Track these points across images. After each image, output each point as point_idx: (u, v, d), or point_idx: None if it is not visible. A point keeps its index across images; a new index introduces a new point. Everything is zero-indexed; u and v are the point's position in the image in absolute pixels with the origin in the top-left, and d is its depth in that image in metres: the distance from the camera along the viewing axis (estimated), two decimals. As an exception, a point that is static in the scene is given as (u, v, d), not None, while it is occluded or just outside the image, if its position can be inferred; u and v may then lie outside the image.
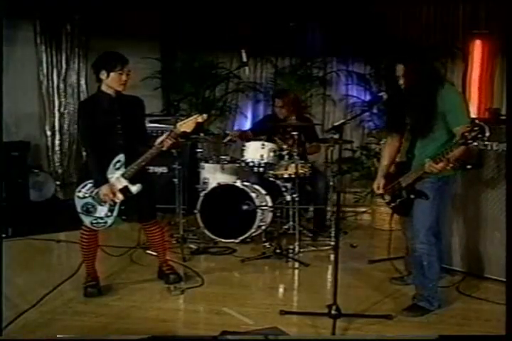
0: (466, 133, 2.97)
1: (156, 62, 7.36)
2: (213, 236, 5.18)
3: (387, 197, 3.73)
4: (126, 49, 6.83)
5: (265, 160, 5.11)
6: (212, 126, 7.34)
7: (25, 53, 6.66)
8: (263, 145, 5.13)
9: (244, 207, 5.09)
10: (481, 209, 4.12)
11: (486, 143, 4.03)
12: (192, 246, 5.02)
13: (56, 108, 6.93)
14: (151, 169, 6.27)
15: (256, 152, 5.13)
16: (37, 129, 6.94)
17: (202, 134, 5.61)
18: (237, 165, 5.44)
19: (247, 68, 6.33)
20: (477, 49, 6.20)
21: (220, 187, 5.25)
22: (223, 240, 5.16)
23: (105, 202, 3.69)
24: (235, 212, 5.12)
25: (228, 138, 5.59)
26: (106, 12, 6.36)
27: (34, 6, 6.34)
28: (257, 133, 5.59)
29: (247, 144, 5.24)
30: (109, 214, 3.72)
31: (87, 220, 3.74)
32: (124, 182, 3.69)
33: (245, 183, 5.24)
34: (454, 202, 4.23)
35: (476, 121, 3.05)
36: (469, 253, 4.21)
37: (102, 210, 3.72)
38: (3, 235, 4.98)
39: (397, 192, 3.62)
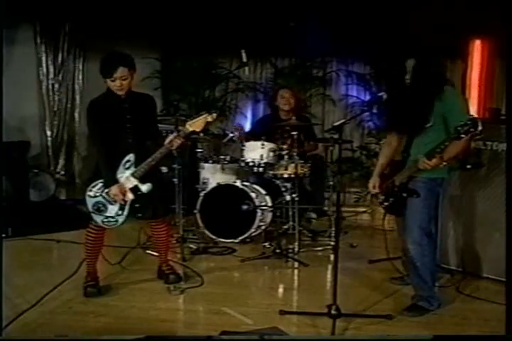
0: (459, 127, 2.99)
1: (155, 62, 7.36)
2: (213, 236, 5.19)
3: (381, 197, 3.73)
4: (126, 49, 6.85)
5: (265, 160, 5.11)
6: (212, 126, 7.33)
7: (25, 53, 6.66)
8: (263, 145, 5.13)
9: (244, 207, 5.09)
10: (479, 208, 4.12)
11: (486, 142, 4.04)
12: (192, 246, 5.02)
13: (56, 108, 6.92)
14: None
15: (255, 152, 5.14)
16: (37, 129, 6.94)
17: (202, 134, 5.60)
18: (237, 165, 5.44)
19: (246, 68, 6.33)
20: (477, 49, 6.20)
21: (220, 187, 5.25)
22: (223, 240, 5.17)
23: (116, 201, 3.69)
24: (234, 212, 5.12)
25: (228, 137, 5.58)
26: (105, 12, 6.35)
27: (34, 6, 6.33)
28: (256, 135, 5.57)
29: (247, 144, 5.24)
30: (119, 212, 3.72)
31: (98, 219, 3.74)
32: (134, 182, 3.69)
33: (245, 183, 5.25)
34: (453, 202, 4.24)
35: (470, 116, 3.06)
36: (468, 253, 4.21)
37: (112, 209, 3.72)
38: (3, 235, 4.99)
39: (390, 191, 3.62)
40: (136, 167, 3.69)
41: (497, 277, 3.98)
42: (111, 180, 3.67)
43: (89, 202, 3.74)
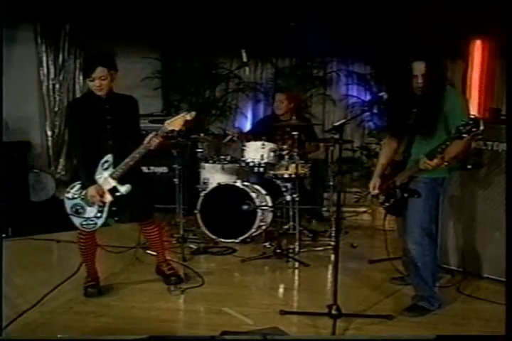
0: (461, 127, 2.99)
1: (156, 62, 7.36)
2: (213, 236, 5.19)
3: (382, 197, 3.72)
4: (127, 49, 6.84)
5: (265, 160, 5.11)
6: (213, 126, 7.34)
7: (26, 53, 6.67)
8: (263, 145, 5.13)
9: (245, 207, 5.09)
10: (479, 208, 4.12)
11: (487, 142, 4.04)
12: (192, 246, 5.02)
13: (56, 108, 6.93)
14: (152, 169, 6.29)
15: (256, 152, 5.14)
16: (37, 129, 6.95)
17: (202, 134, 5.61)
18: (238, 165, 5.43)
19: (247, 68, 6.34)
20: (477, 49, 6.20)
21: (221, 187, 5.25)
22: (223, 240, 5.17)
23: (94, 203, 3.65)
24: (235, 212, 5.12)
25: (229, 137, 5.59)
26: (106, 12, 6.36)
27: (34, 6, 6.33)
28: (256, 135, 5.58)
29: (248, 144, 5.24)
30: (98, 215, 3.66)
31: (76, 221, 3.69)
32: (112, 183, 3.63)
33: (245, 183, 5.25)
34: (453, 202, 4.23)
35: (472, 116, 3.06)
36: (468, 253, 4.21)
37: (91, 211, 3.66)
38: (3, 235, 4.99)
39: (391, 192, 3.61)
40: (114, 168, 3.64)
41: (497, 277, 3.98)
42: (88, 181, 3.61)
43: (68, 204, 3.70)
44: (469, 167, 4.03)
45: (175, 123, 3.63)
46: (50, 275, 4.17)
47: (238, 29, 6.51)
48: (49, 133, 6.94)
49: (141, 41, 6.95)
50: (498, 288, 3.85)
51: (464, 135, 3.00)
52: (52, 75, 6.84)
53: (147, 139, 3.59)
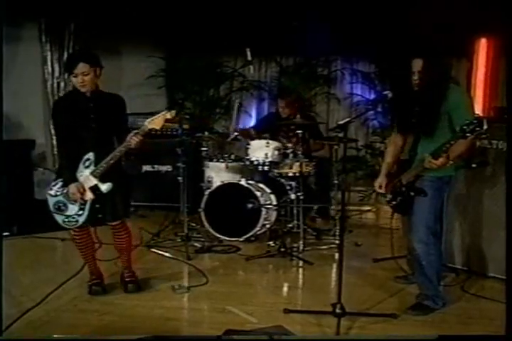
0: (465, 126, 2.99)
1: (160, 61, 7.36)
2: (218, 235, 5.19)
3: (389, 196, 3.72)
4: (131, 47, 6.85)
5: (270, 159, 5.11)
6: (217, 124, 7.34)
7: (31, 52, 6.68)
8: (267, 143, 5.13)
9: (249, 206, 5.09)
10: (485, 207, 4.11)
11: (492, 141, 4.03)
12: (196, 244, 5.03)
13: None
14: (156, 167, 6.30)
15: (260, 150, 5.14)
16: (42, 127, 6.96)
17: (206, 133, 5.61)
18: (242, 163, 5.44)
19: (251, 67, 6.31)
20: (483, 48, 6.19)
21: (225, 186, 5.25)
22: (228, 238, 5.17)
23: (75, 200, 3.64)
24: (239, 211, 5.12)
25: (232, 136, 5.58)
26: (111, 11, 6.36)
27: (39, 4, 6.34)
28: (260, 130, 5.58)
29: (252, 143, 5.24)
30: (80, 212, 3.65)
31: (59, 219, 3.70)
32: (93, 181, 3.61)
33: (250, 182, 5.25)
34: (458, 201, 4.22)
35: (475, 115, 3.05)
36: (473, 252, 4.20)
37: (73, 209, 3.66)
38: (7, 233, 5.01)
39: (397, 190, 3.61)
40: (96, 166, 3.62)
41: (502, 276, 3.96)
42: (70, 179, 3.61)
43: (50, 202, 3.70)
44: (474, 166, 4.03)
45: (155, 122, 3.57)
46: (55, 274, 4.18)
47: (242, 28, 6.51)
48: (53, 131, 6.94)
49: (145, 40, 6.95)
50: (503, 287, 3.83)
51: (468, 134, 3.00)
52: (56, 74, 6.85)
53: (127, 138, 3.54)
